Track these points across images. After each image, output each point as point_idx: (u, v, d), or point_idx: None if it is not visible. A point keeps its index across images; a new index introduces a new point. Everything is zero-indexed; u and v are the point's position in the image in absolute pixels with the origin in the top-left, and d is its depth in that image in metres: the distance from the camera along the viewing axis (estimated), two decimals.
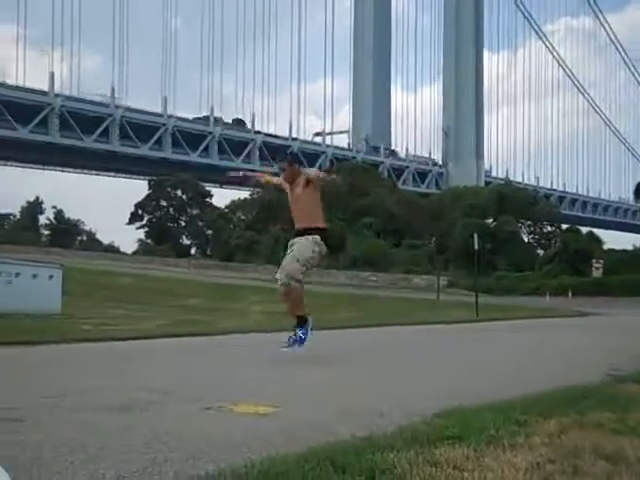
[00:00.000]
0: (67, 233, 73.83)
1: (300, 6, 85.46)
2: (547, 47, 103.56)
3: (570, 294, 42.52)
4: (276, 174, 7.11)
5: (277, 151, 79.13)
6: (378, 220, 62.81)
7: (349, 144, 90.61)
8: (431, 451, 2.92)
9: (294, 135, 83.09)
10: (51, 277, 13.70)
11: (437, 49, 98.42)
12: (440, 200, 70.64)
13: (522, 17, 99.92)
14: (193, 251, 75.92)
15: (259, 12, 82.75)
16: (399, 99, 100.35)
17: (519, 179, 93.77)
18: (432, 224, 62.20)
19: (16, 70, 70.62)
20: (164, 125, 74.40)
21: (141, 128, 72.34)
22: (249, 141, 79.78)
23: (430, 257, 58.14)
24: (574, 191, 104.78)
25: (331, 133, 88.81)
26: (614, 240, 72.53)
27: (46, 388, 4.59)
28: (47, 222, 75.23)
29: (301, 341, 6.51)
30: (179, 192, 73.81)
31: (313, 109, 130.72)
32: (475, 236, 24.43)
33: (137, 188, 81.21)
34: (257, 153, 79.10)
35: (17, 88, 67.49)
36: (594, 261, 53.32)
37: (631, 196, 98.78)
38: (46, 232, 75.00)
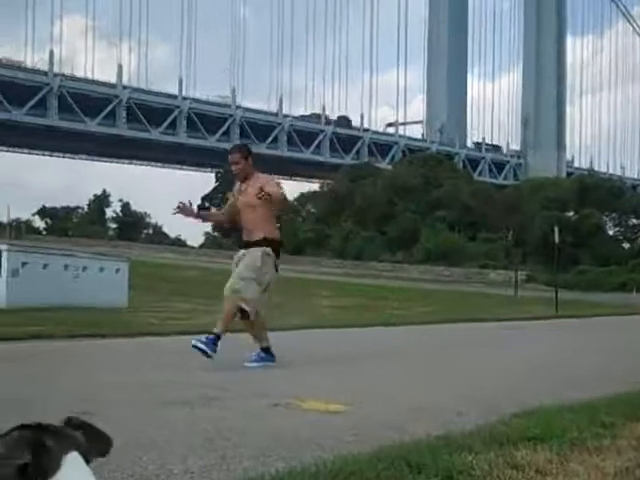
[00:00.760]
0: (134, 226, 74.17)
1: None
2: (635, 30, 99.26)
3: None
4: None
5: (346, 143, 79.01)
6: (453, 213, 61.94)
7: (423, 134, 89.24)
8: (511, 453, 2.81)
9: (365, 126, 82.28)
10: (118, 270, 13.65)
11: (517, 35, 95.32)
12: (517, 192, 68.98)
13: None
14: None
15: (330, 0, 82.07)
16: (475, 88, 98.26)
17: (603, 169, 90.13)
18: (509, 217, 60.85)
19: (84, 62, 72.22)
20: (231, 116, 73.92)
21: (208, 119, 72.24)
22: (319, 132, 78.85)
23: (507, 251, 56.86)
24: None
25: (404, 123, 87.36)
26: None
27: (113, 381, 4.67)
28: (114, 215, 75.57)
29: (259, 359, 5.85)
30: None
31: (385, 99, 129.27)
32: (556, 229, 23.90)
33: (204, 180, 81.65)
34: (327, 144, 78.54)
35: (86, 81, 68.75)
36: None
37: None
38: (113, 225, 75.60)
